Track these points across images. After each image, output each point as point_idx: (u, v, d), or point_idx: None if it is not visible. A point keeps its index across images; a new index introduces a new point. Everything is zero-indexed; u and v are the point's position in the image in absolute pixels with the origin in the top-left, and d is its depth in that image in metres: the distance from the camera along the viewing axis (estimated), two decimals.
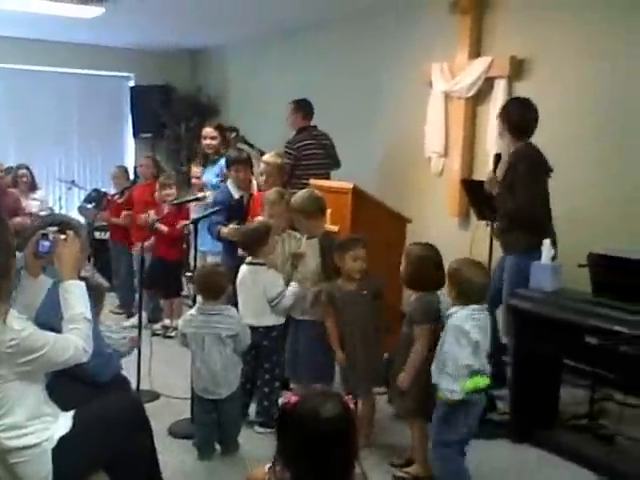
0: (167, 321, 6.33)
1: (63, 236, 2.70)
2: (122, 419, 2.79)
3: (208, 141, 6.33)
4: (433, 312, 3.49)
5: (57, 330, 2.56)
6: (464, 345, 3.17)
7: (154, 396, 4.68)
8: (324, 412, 1.82)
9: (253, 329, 4.09)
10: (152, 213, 6.33)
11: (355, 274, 3.89)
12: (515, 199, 4.30)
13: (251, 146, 6.72)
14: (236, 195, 5.42)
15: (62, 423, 2.59)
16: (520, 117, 4.42)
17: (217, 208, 4.89)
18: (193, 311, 4.00)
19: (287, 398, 1.90)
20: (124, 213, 6.87)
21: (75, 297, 2.63)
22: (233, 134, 6.84)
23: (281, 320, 4.31)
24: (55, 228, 2.74)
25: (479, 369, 3.19)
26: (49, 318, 2.62)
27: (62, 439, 2.55)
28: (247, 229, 4.46)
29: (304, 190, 4.60)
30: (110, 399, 2.84)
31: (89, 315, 2.64)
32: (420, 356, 3.48)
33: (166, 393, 4.75)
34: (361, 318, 3.88)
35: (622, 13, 4.90)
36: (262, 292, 4.23)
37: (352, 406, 1.94)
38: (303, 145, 6.30)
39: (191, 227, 4.96)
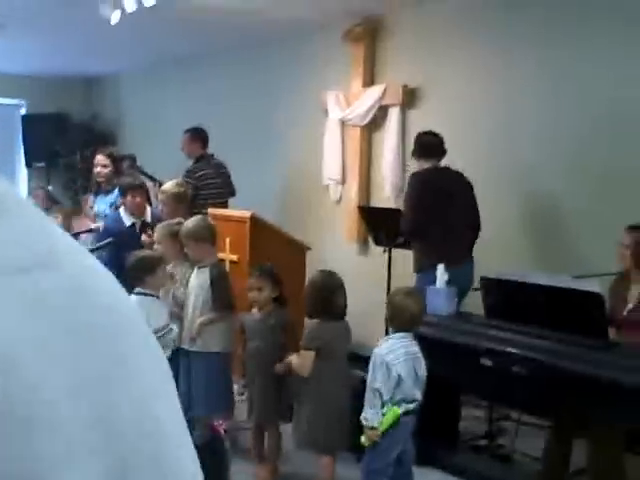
0: None
1: None
2: None
3: (99, 169, 6.19)
4: (319, 338, 3.53)
5: None
6: (383, 375, 3.21)
7: None
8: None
9: None
10: None
11: (253, 304, 3.89)
12: (403, 219, 4.61)
13: (148, 176, 6.61)
14: (128, 222, 5.34)
15: None
16: (424, 141, 4.73)
17: (108, 240, 4.75)
18: None
19: None
20: None
21: None
22: (126, 162, 6.71)
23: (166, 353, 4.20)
24: None
25: (402, 399, 3.24)
26: None
27: None
28: (134, 258, 4.32)
29: (195, 217, 4.56)
30: None
31: None
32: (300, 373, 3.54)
33: None
34: (263, 348, 3.86)
35: (507, 35, 5.11)
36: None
37: (222, 432, 1.91)
38: (203, 174, 6.25)
39: None
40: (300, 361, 3.56)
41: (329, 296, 3.58)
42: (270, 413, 3.91)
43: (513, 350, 3.51)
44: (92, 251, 4.62)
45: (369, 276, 5.62)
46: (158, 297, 4.18)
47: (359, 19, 5.93)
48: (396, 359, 3.25)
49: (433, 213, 4.48)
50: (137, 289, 4.19)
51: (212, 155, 6.48)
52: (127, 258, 4.22)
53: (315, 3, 5.61)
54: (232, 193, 6.46)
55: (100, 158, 6.27)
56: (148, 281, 4.12)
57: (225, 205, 6.25)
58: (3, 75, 9.37)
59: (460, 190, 4.63)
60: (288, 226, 5.80)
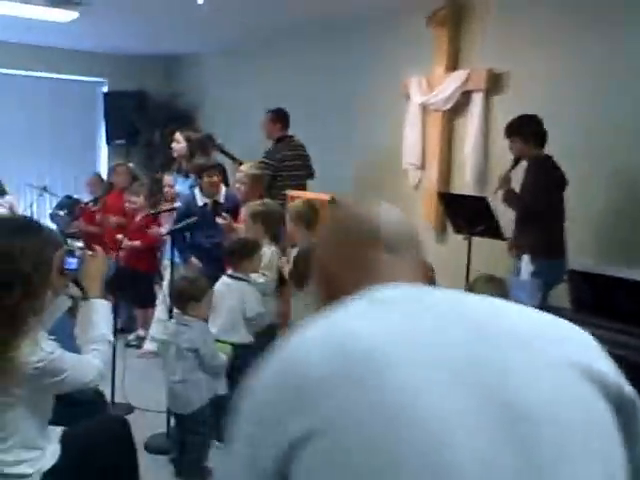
0: (141, 332, 6.25)
1: (90, 252, 2.67)
2: (110, 443, 2.72)
3: (173, 144, 6.31)
4: None
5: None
6: None
7: (128, 409, 4.60)
8: None
9: (219, 342, 4.02)
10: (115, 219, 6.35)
11: None
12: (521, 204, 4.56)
13: (229, 155, 6.67)
14: (200, 202, 5.42)
15: (52, 450, 2.53)
16: (538, 129, 4.65)
17: (194, 219, 4.81)
18: (171, 319, 3.97)
19: None
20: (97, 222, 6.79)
21: (100, 316, 2.60)
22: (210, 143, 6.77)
23: (248, 339, 4.24)
24: (80, 244, 2.70)
25: None
26: (60, 340, 2.54)
27: (53, 468, 2.48)
28: (235, 241, 4.40)
29: (301, 200, 4.65)
30: (97, 421, 2.78)
31: (111, 337, 2.62)
32: None
33: (141, 406, 4.68)
34: None
35: (605, 23, 4.94)
36: (237, 307, 4.18)
37: None
38: (283, 156, 6.28)
39: (167, 238, 4.92)
40: None
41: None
42: None
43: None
44: (174, 231, 4.70)
45: (447, 263, 5.54)
46: (249, 282, 4.24)
47: (443, 2, 5.84)
48: None
49: (553, 203, 4.50)
50: (230, 272, 4.26)
51: (292, 137, 6.50)
52: (225, 241, 4.29)
53: None
54: (311, 175, 6.47)
55: (176, 135, 6.36)
56: (245, 265, 4.18)
57: (304, 187, 6.27)
58: (86, 53, 9.58)
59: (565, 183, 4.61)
60: None
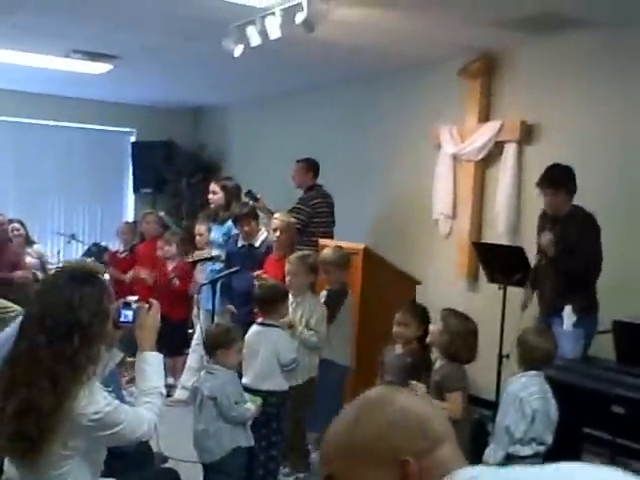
0: (171, 380, 6.21)
1: (146, 305, 2.68)
2: None
3: (210, 196, 6.37)
4: (465, 378, 3.48)
5: None
6: (517, 412, 3.15)
7: (162, 459, 4.55)
8: None
9: (253, 392, 3.99)
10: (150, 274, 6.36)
11: (397, 339, 3.92)
12: (577, 262, 4.35)
13: (255, 200, 6.70)
14: (239, 244, 5.59)
15: None
16: (574, 179, 4.55)
17: (236, 268, 4.87)
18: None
19: None
20: (129, 274, 6.80)
21: (153, 369, 2.61)
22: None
23: (284, 387, 4.22)
24: (135, 297, 2.71)
25: (532, 439, 3.16)
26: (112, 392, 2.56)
27: None
28: (266, 287, 4.40)
29: (333, 246, 4.83)
30: (150, 474, 2.76)
31: (163, 389, 2.63)
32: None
33: (174, 456, 4.62)
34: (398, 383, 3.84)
35: (630, 74, 4.98)
36: (271, 354, 4.15)
37: None
38: (316, 203, 6.35)
39: (204, 287, 4.95)
40: (452, 404, 3.47)
41: (472, 342, 3.56)
42: None
43: None
44: (220, 278, 4.72)
45: (479, 313, 5.47)
46: (282, 328, 4.22)
47: (476, 54, 5.92)
48: (531, 396, 3.19)
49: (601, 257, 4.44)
50: (260, 319, 4.24)
51: (321, 186, 6.57)
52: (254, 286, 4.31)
53: (432, 38, 5.62)
54: (334, 223, 6.53)
55: (212, 186, 6.42)
56: (278, 311, 4.17)
57: (331, 235, 6.31)
58: (116, 104, 9.76)
59: None
60: (398, 259, 5.77)
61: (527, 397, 3.19)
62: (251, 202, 6.34)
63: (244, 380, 4.05)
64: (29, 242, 7.55)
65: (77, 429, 2.30)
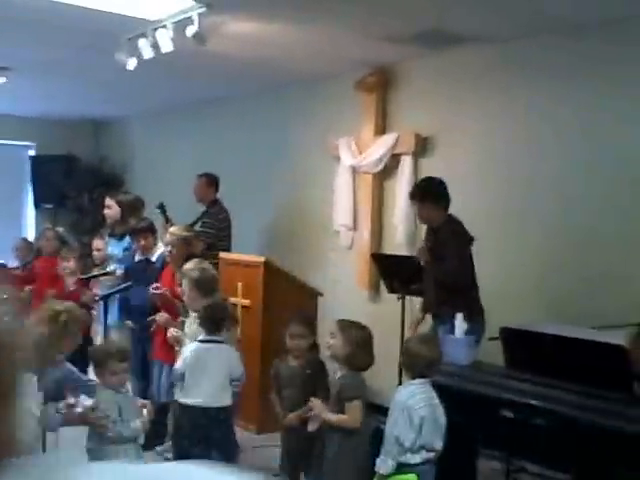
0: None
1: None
2: None
3: (105, 211, 6.29)
4: (364, 387, 3.52)
5: None
6: (405, 422, 3.19)
7: None
8: None
9: (203, 410, 3.95)
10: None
11: (293, 352, 3.90)
12: (444, 268, 4.50)
13: (165, 216, 6.62)
14: (137, 258, 5.57)
15: None
16: (443, 191, 4.64)
17: (129, 284, 4.78)
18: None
19: None
20: (27, 288, 6.59)
21: None
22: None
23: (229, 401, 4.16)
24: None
25: (422, 446, 3.21)
26: None
27: None
28: (212, 304, 4.27)
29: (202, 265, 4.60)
30: None
31: None
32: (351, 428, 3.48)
33: None
34: (297, 398, 3.86)
35: (521, 88, 5.15)
36: (224, 370, 4.08)
37: None
38: (222, 218, 6.34)
39: (100, 303, 4.85)
40: (351, 414, 3.49)
41: (370, 349, 3.59)
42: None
43: (534, 402, 3.47)
44: (113, 294, 4.63)
45: (381, 323, 5.56)
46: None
47: (371, 68, 6.02)
48: (417, 404, 3.24)
49: (467, 260, 4.55)
50: (201, 336, 4.14)
51: (220, 200, 6.53)
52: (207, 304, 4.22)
53: (328, 53, 5.69)
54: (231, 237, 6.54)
55: (107, 200, 6.33)
56: (223, 327, 4.11)
57: (229, 250, 6.29)
58: (13, 117, 9.48)
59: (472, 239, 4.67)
60: (300, 271, 5.80)
61: (414, 405, 3.24)
62: (161, 215, 6.30)
63: (189, 400, 3.97)
64: None
65: None
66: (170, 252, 5.24)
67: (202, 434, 3.95)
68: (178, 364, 4.13)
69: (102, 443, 3.50)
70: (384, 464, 3.23)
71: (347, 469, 3.50)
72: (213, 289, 4.44)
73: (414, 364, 3.38)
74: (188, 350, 4.13)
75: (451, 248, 4.49)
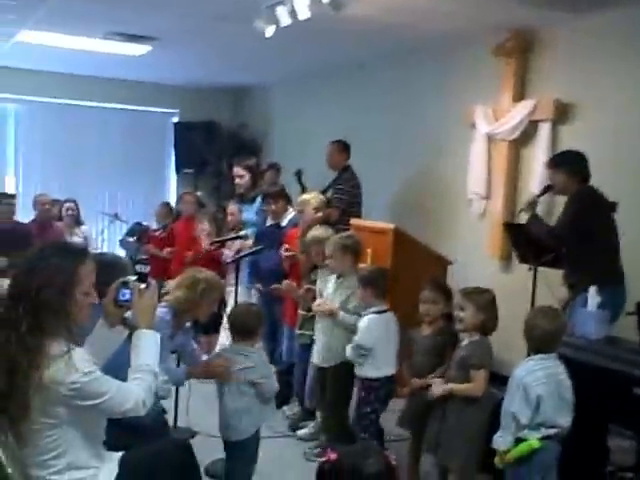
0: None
1: (143, 285, 2.65)
2: (171, 467, 2.74)
3: (237, 180, 6.45)
4: (491, 355, 3.50)
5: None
6: (521, 398, 3.13)
7: (191, 434, 4.66)
8: (365, 468, 1.78)
9: (388, 379, 4.09)
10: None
11: (425, 317, 3.88)
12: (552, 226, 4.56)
13: (300, 182, 6.75)
14: (268, 223, 5.71)
15: (108, 469, 2.56)
16: (580, 162, 4.55)
17: (260, 247, 4.90)
18: (226, 346, 4.03)
19: (326, 454, 1.86)
20: (167, 249, 6.91)
21: (146, 347, 2.57)
22: (270, 171, 6.97)
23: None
24: (135, 277, 2.70)
25: (540, 423, 3.14)
26: (117, 371, 2.54)
27: None
28: (381, 270, 4.37)
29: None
30: (159, 445, 2.80)
31: (156, 368, 2.58)
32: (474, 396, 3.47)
33: (203, 431, 4.72)
34: (428, 366, 3.83)
35: None
36: (397, 339, 4.18)
37: (393, 462, 1.89)
38: (354, 184, 6.38)
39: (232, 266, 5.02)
40: (477, 383, 3.47)
41: (496, 311, 3.56)
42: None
43: None
44: (243, 257, 4.79)
45: (512, 294, 5.45)
46: None
47: (510, 33, 5.82)
48: (535, 381, 3.15)
49: (600, 229, 4.43)
50: (374, 308, 4.18)
51: (351, 166, 6.57)
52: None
53: (466, 16, 5.55)
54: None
55: (236, 170, 6.49)
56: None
57: (360, 216, 6.31)
58: (158, 85, 9.88)
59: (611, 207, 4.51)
60: (429, 239, 5.76)
61: (531, 382, 3.14)
62: (297, 182, 6.44)
63: (381, 373, 4.10)
64: (78, 222, 7.75)
65: (55, 397, 2.32)
66: (303, 219, 5.30)
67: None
68: (364, 339, 4.07)
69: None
70: (502, 440, 3.18)
71: (464, 437, 3.48)
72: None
73: (531, 337, 3.28)
74: (372, 324, 4.10)
75: (565, 209, 4.47)
